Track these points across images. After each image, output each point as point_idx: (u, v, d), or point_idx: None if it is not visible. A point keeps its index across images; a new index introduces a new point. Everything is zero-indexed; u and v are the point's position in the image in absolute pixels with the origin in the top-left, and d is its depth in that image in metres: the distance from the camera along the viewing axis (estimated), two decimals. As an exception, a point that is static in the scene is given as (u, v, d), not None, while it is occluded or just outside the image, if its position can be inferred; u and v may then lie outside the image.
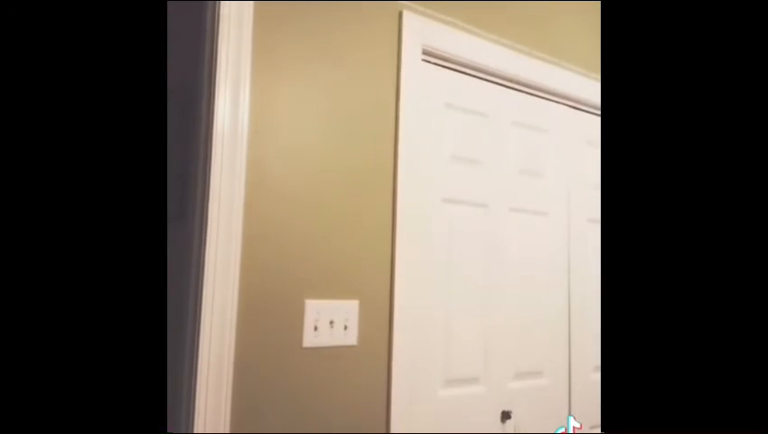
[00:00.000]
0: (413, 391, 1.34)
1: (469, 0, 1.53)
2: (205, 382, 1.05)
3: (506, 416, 1.52)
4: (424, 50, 1.43)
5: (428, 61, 1.46)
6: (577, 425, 1.23)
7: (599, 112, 1.85)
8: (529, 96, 1.68)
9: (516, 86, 1.64)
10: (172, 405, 1.06)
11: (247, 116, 1.14)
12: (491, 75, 1.58)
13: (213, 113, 1.11)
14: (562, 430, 1.22)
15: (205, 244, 1.07)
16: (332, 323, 1.22)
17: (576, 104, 1.79)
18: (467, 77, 1.55)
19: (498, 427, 1.51)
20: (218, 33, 1.13)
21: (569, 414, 1.66)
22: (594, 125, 1.85)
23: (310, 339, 1.19)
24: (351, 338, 1.24)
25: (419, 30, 1.41)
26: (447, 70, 1.51)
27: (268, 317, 1.15)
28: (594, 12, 1.86)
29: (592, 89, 1.79)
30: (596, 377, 1.77)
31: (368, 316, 1.27)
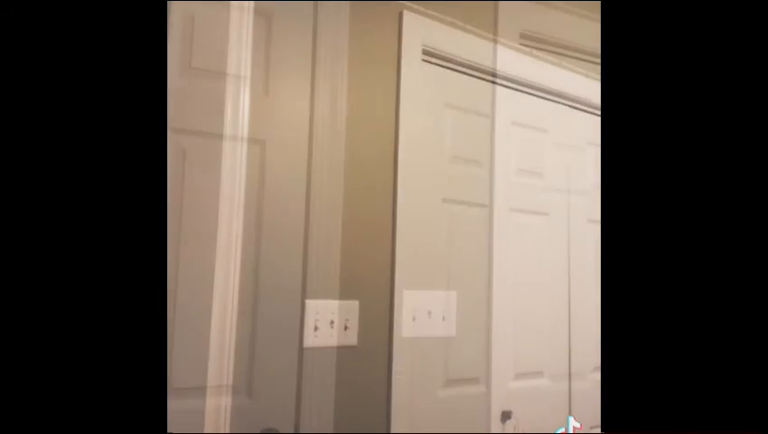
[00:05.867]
0: (413, 391, 1.34)
1: (469, 0, 1.53)
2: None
3: (506, 416, 1.52)
4: (424, 50, 1.43)
5: (428, 61, 1.46)
6: (577, 425, 1.23)
7: (599, 112, 1.85)
8: (528, 96, 1.68)
9: (516, 86, 1.64)
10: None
11: (247, 115, 1.14)
12: (491, 75, 1.58)
13: (213, 113, 1.11)
14: (562, 430, 1.22)
15: (205, 244, 1.07)
16: (332, 323, 1.22)
17: (576, 104, 1.79)
18: (467, 77, 1.55)
19: (498, 427, 1.51)
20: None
21: (569, 414, 1.66)
22: (594, 125, 1.85)
23: (310, 339, 1.19)
24: (351, 338, 1.24)
25: (419, 30, 1.41)
26: (447, 70, 1.50)
27: (268, 317, 1.15)
28: (593, 12, 1.85)
29: (592, 89, 1.79)
30: (596, 377, 1.77)
31: (368, 316, 1.27)
